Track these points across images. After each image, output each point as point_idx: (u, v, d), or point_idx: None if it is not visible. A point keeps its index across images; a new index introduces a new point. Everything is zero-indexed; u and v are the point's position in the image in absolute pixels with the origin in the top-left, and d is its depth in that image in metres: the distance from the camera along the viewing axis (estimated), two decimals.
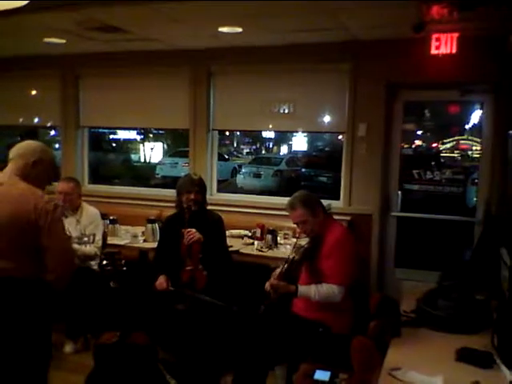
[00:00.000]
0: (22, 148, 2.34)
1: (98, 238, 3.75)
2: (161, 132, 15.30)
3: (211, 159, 5.19)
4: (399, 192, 4.67)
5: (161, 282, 3.46)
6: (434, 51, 3.85)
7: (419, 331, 2.31)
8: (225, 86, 5.04)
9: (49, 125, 6.30)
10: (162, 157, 14.97)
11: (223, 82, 5.04)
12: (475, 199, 4.66)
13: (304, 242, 3.93)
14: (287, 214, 3.13)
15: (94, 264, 3.94)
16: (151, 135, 15.45)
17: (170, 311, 3.34)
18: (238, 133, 16.68)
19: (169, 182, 9.88)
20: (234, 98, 5.01)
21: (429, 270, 4.19)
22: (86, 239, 3.39)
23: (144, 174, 12.93)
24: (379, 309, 2.50)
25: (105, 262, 2.64)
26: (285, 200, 4.89)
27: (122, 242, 4.20)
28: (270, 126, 5.33)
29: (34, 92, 5.89)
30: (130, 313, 3.19)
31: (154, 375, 2.79)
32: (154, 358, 2.75)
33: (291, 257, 2.91)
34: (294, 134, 15.43)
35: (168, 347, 3.23)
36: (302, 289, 2.77)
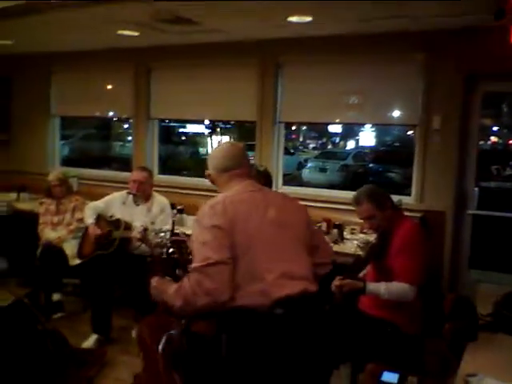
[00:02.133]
0: (242, 153, 2.25)
1: (169, 228, 3.81)
2: (228, 126, 15.45)
3: (277, 152, 5.14)
4: (476, 189, 4.40)
5: None
6: None
7: (496, 336, 2.16)
8: (293, 78, 4.95)
9: (122, 117, 6.50)
10: None
11: (291, 74, 4.95)
12: None
13: (372, 237, 3.82)
14: (354, 208, 3.03)
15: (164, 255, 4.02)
16: (219, 129, 15.63)
17: None
18: (305, 127, 16.52)
19: None
20: (302, 90, 4.91)
21: (506, 272, 3.95)
22: (162, 234, 3.44)
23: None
24: (454, 310, 2.35)
25: (171, 250, 2.65)
26: (351, 194, 4.80)
27: (188, 232, 4.24)
28: (339, 119, 5.20)
29: (108, 84, 6.09)
30: None
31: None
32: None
33: (357, 254, 2.81)
34: (362, 128, 15.10)
35: None
36: (371, 286, 2.66)
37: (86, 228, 4.16)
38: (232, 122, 13.83)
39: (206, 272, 1.81)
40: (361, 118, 4.95)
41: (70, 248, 4.29)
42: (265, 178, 3.56)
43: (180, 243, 2.61)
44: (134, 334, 3.88)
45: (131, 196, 4.04)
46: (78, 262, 4.19)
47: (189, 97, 5.47)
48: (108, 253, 3.86)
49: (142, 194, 4.01)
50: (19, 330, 3.11)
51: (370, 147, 14.19)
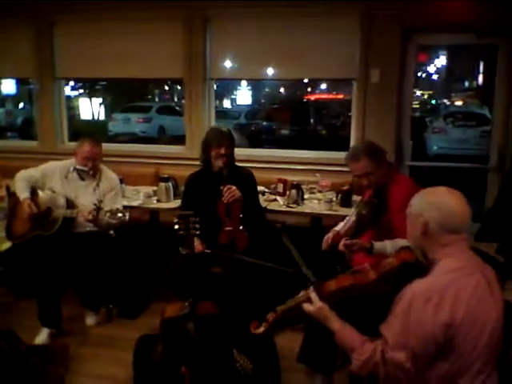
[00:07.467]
0: None
1: (121, 206, 3.39)
2: (97, 87, 14.50)
3: (209, 112, 4.85)
4: (411, 142, 4.59)
5: (196, 244, 3.19)
6: None
7: None
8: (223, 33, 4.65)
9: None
10: (107, 112, 14.35)
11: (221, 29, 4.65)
12: None
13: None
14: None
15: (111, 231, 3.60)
16: (87, 91, 14.63)
17: (206, 275, 3.10)
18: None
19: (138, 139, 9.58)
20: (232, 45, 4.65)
21: None
22: (120, 215, 3.04)
23: (96, 132, 12.13)
24: None
25: (177, 227, 2.33)
26: (301, 153, 4.72)
27: (135, 203, 3.85)
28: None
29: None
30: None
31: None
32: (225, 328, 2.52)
33: (361, 212, 2.70)
34: (238, 86, 15.10)
35: None
36: (378, 245, 2.57)
37: (14, 203, 3.51)
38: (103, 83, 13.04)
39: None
40: (299, 72, 4.78)
41: None
42: (230, 140, 3.30)
43: (188, 217, 2.31)
44: (88, 322, 3.49)
45: (75, 170, 3.49)
46: (8, 245, 3.54)
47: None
48: (48, 234, 3.34)
49: (92, 171, 3.49)
50: None
51: (247, 105, 14.39)
